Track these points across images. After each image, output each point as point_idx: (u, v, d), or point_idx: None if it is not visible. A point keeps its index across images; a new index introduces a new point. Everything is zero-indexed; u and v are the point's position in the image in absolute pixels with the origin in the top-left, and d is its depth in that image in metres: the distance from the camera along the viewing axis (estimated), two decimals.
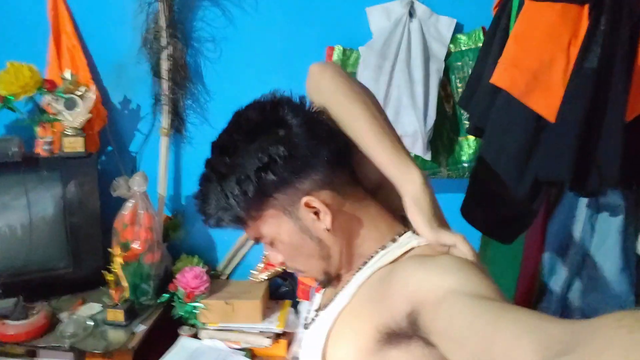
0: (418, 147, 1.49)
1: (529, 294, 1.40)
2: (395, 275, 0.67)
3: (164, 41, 1.61)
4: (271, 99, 0.76)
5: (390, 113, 1.50)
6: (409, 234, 0.74)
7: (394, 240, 0.74)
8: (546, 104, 1.01)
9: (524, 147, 1.03)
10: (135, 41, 1.64)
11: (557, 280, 1.28)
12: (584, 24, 0.98)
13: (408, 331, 0.62)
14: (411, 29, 1.57)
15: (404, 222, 0.75)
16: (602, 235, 1.15)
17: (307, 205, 0.71)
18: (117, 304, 1.52)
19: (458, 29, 1.62)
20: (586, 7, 0.99)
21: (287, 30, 1.65)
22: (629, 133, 1.02)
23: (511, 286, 1.37)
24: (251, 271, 1.78)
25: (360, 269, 0.74)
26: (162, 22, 1.59)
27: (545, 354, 0.42)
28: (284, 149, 0.68)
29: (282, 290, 1.82)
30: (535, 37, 1.00)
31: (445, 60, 1.59)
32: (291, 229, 0.73)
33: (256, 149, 0.69)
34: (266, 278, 1.75)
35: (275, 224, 0.74)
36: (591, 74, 0.97)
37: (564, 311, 1.31)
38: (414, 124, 1.47)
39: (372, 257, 0.75)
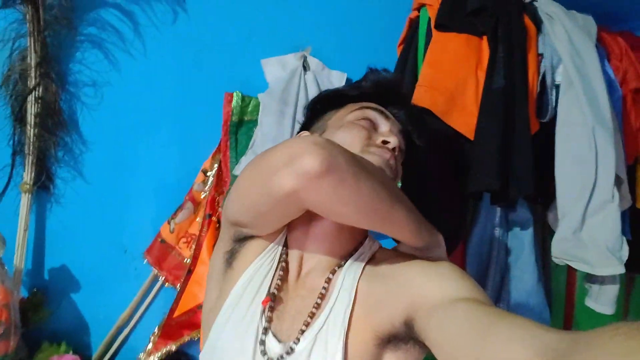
0: None
1: None
2: (395, 279, 0.68)
3: (32, 82, 1.39)
4: None
5: None
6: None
7: (364, 237, 0.79)
8: (464, 122, 1.08)
9: (452, 163, 1.07)
10: None
11: None
12: (486, 51, 1.10)
13: (405, 336, 0.62)
14: (307, 80, 1.61)
15: None
16: (516, 251, 1.21)
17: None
18: None
19: (349, 83, 1.70)
20: (485, 37, 1.11)
21: (179, 76, 1.56)
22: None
23: None
24: (138, 356, 1.48)
25: (344, 263, 0.74)
26: (32, 60, 1.38)
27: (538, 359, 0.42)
28: None
29: None
30: (447, 61, 1.09)
31: None
32: None
33: None
34: None
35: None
36: (499, 93, 1.07)
37: None
38: None
39: (355, 249, 0.76)
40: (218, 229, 1.49)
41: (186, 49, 1.56)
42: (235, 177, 1.49)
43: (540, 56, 1.15)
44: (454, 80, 1.08)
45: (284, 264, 0.76)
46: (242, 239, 0.79)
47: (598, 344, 0.37)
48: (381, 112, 0.82)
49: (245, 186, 0.70)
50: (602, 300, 1.23)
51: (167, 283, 1.53)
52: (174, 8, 1.55)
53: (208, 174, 1.52)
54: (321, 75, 1.65)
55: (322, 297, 0.71)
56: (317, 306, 0.70)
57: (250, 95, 1.57)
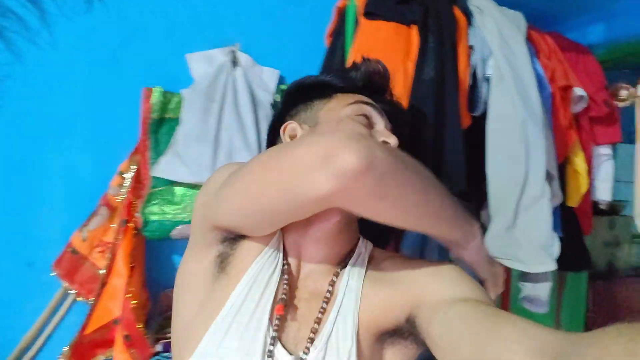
0: None
1: None
2: (401, 278, 0.68)
3: None
4: None
5: (222, 154, 1.36)
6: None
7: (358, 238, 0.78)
8: None
9: None
10: None
11: None
12: (415, 41, 1.06)
13: (406, 332, 0.64)
14: (236, 76, 1.52)
15: None
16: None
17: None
18: None
19: (282, 80, 1.62)
20: (414, 27, 1.07)
21: (94, 71, 1.42)
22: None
23: None
24: None
25: (346, 263, 0.73)
26: None
27: None
28: None
29: None
30: (376, 50, 1.03)
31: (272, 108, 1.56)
32: None
33: None
34: None
35: None
36: (429, 84, 1.03)
37: None
38: None
39: (352, 250, 0.75)
40: (135, 236, 1.36)
41: (102, 40, 1.43)
42: (156, 178, 1.37)
43: (471, 48, 1.11)
44: None
45: (286, 267, 0.72)
46: (232, 240, 0.72)
47: (600, 345, 0.37)
48: (376, 108, 0.78)
49: (256, 190, 0.61)
50: (535, 299, 1.20)
51: (80, 297, 1.38)
52: None
53: (125, 176, 1.39)
54: (252, 72, 1.57)
55: (327, 301, 0.69)
56: (323, 311, 0.68)
57: (173, 92, 1.46)
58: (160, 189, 1.37)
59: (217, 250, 0.72)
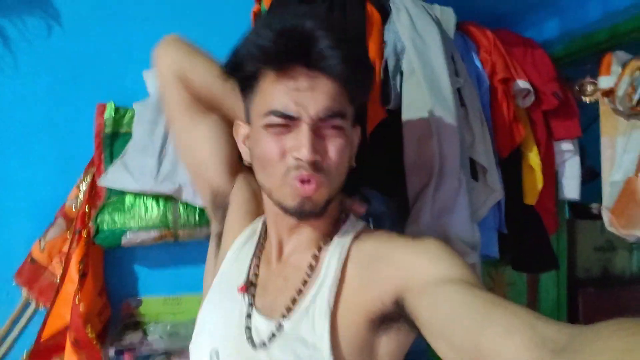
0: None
1: None
2: (384, 258, 0.66)
3: None
4: None
5: (167, 166, 1.41)
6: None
7: (346, 215, 0.77)
8: None
9: None
10: None
11: None
12: None
13: (395, 314, 0.61)
14: None
15: None
16: None
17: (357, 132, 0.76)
18: None
19: None
20: None
21: (55, 90, 1.50)
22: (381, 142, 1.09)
23: None
24: None
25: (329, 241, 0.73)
26: None
27: (537, 352, 0.40)
28: None
29: None
30: None
31: None
32: (351, 134, 0.72)
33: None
34: None
35: (350, 119, 0.70)
36: None
37: None
38: None
39: (338, 229, 0.75)
40: (91, 245, 1.41)
41: (61, 62, 1.52)
42: (110, 190, 1.42)
43: (384, 43, 1.12)
44: None
45: (262, 246, 0.79)
46: (222, 218, 0.85)
47: (599, 339, 0.36)
48: (289, 117, 0.65)
49: None
50: None
51: (40, 306, 1.44)
52: (48, 22, 1.53)
53: (80, 188, 1.45)
54: None
55: (309, 274, 0.70)
56: (305, 283, 0.69)
57: (127, 107, 1.53)
58: (113, 199, 1.43)
59: (218, 230, 0.87)
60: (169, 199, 1.42)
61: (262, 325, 0.68)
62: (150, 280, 1.56)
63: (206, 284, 0.84)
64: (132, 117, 1.51)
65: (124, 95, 1.54)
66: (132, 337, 1.42)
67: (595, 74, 1.53)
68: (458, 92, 1.15)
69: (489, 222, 1.23)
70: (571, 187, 1.55)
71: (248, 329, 0.69)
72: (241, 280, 0.75)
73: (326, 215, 0.72)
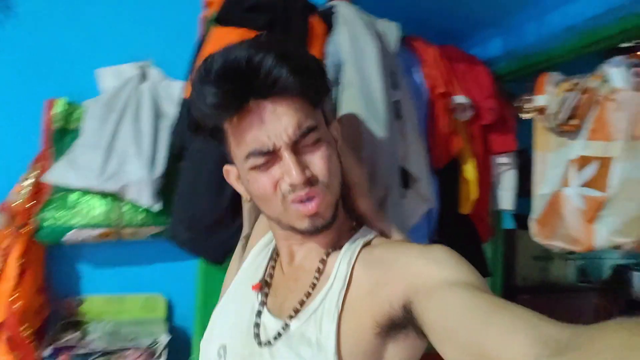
0: (145, 196, 1.41)
1: None
2: (393, 262, 0.67)
3: None
4: None
5: (113, 164, 1.41)
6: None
7: (359, 225, 0.79)
8: None
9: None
10: None
11: None
12: None
13: (403, 320, 0.61)
14: (143, 89, 1.58)
15: None
16: None
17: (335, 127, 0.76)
18: None
19: None
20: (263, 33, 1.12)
21: (2, 83, 1.50)
22: None
23: None
24: None
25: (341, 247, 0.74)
26: None
27: (540, 351, 0.41)
28: None
29: None
30: None
31: None
32: (330, 136, 0.73)
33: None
34: None
35: (323, 122, 0.71)
36: None
37: None
38: (139, 172, 1.41)
39: (349, 238, 0.76)
40: (31, 241, 1.40)
41: (11, 57, 1.52)
42: (55, 186, 1.42)
43: (325, 55, 1.16)
44: None
45: (275, 254, 0.83)
46: (255, 219, 0.93)
47: (601, 338, 0.37)
48: (268, 152, 0.65)
49: None
50: None
51: None
52: None
53: (24, 183, 1.45)
54: (160, 86, 1.63)
55: (318, 278, 0.72)
56: (313, 286, 0.71)
57: (78, 104, 1.53)
58: (57, 195, 1.42)
59: (247, 232, 0.94)
60: (115, 198, 1.43)
61: (270, 324, 0.72)
62: (93, 278, 1.56)
63: (226, 283, 0.89)
64: (82, 114, 1.51)
65: (75, 92, 1.54)
66: (70, 336, 1.41)
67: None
68: (396, 105, 1.21)
69: (421, 230, 1.28)
70: (506, 199, 1.63)
71: (257, 325, 0.73)
72: (257, 279, 0.80)
73: (336, 222, 0.73)
